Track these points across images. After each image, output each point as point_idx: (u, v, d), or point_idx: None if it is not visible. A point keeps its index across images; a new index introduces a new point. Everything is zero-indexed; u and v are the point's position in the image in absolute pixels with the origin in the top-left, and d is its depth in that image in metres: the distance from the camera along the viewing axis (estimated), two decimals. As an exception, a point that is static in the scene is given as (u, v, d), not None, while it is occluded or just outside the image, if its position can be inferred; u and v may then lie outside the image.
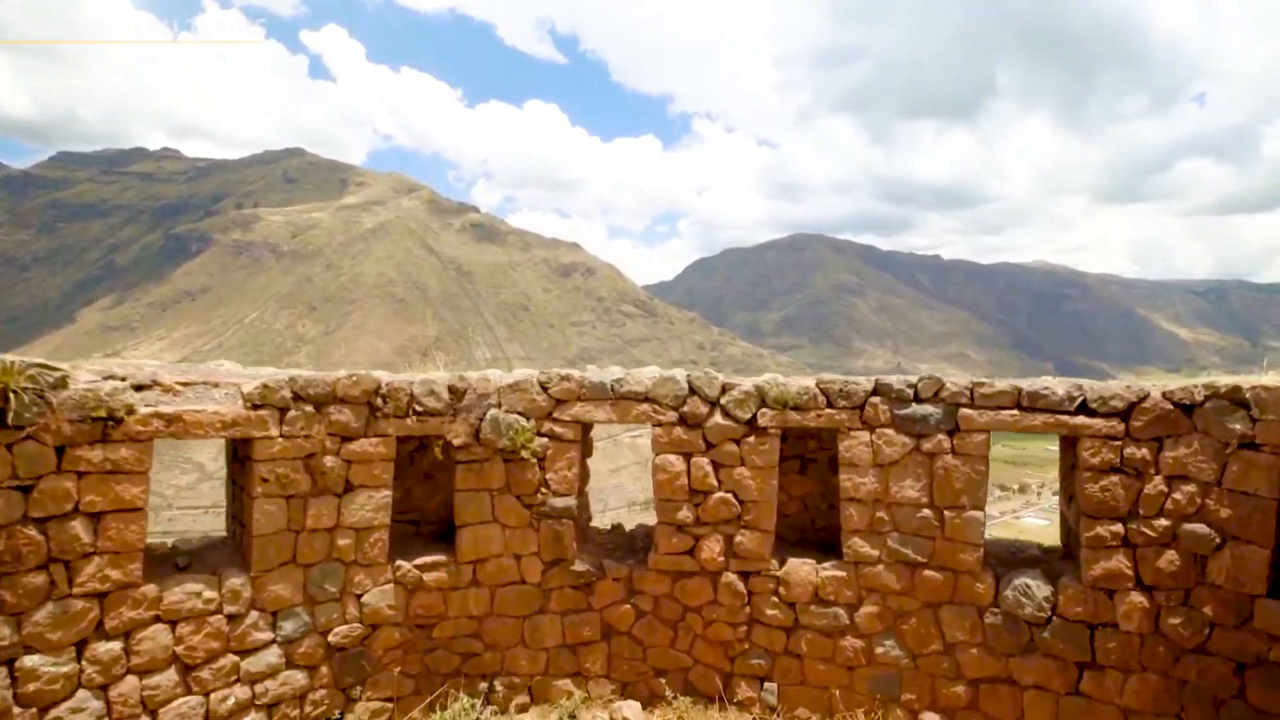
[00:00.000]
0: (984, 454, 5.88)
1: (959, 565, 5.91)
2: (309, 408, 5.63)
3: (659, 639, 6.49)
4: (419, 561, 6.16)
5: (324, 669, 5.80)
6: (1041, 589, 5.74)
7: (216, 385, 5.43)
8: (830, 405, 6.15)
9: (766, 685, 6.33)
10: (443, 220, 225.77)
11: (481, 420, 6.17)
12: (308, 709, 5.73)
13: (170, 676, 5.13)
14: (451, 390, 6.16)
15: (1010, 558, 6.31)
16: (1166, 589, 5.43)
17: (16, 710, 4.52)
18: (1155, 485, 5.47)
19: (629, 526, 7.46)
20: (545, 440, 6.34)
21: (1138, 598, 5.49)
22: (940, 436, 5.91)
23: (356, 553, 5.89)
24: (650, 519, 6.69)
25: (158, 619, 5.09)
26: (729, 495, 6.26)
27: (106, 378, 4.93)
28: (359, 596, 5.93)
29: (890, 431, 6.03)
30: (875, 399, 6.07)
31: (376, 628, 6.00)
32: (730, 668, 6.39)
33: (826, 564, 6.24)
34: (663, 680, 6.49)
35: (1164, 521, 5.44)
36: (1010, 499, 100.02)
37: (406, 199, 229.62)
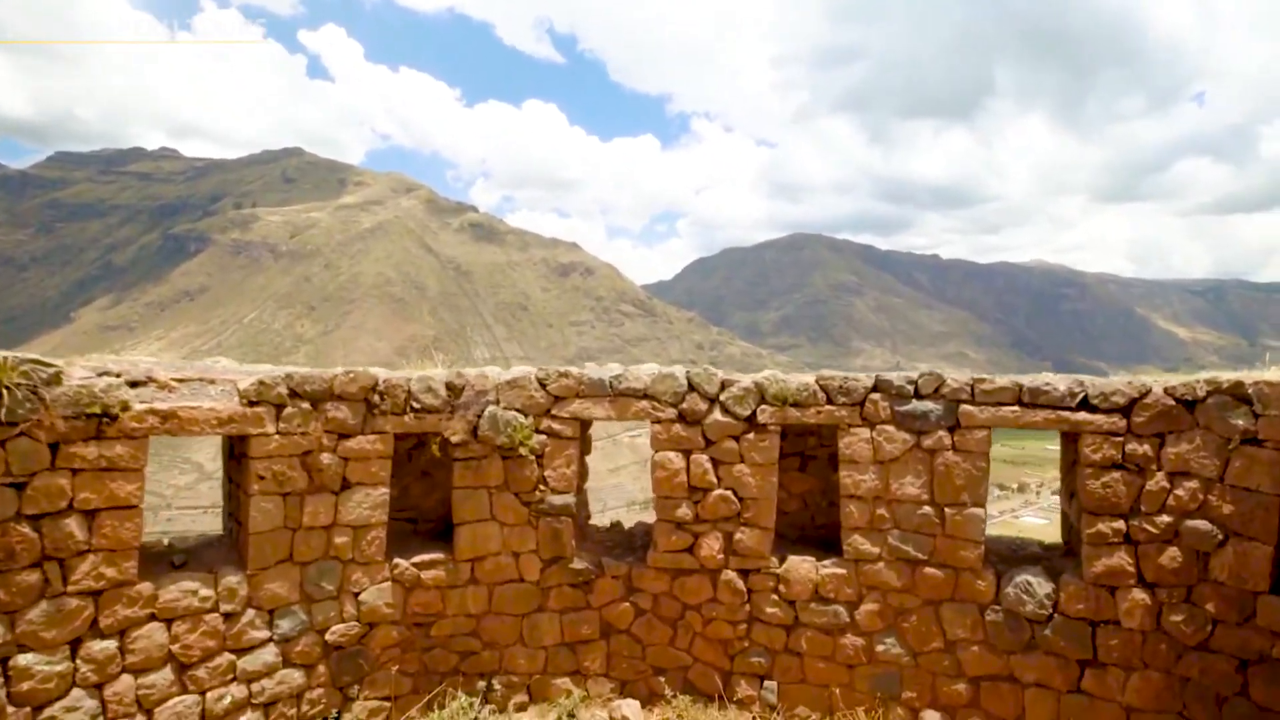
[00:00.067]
0: (985, 450, 5.85)
1: (960, 562, 5.88)
2: (305, 404, 5.60)
3: (658, 637, 6.46)
4: (417, 559, 6.13)
5: (321, 668, 5.76)
6: (1043, 586, 5.71)
7: (212, 382, 5.39)
8: (830, 402, 6.12)
9: (766, 683, 6.30)
10: (441, 220, 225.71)
11: (479, 417, 6.13)
12: (304, 708, 5.69)
13: (166, 675, 5.09)
14: (449, 387, 6.12)
15: (1011, 555, 6.29)
16: (1168, 586, 5.40)
17: (10, 709, 4.48)
18: (1157, 481, 5.44)
19: (628, 525, 7.43)
20: (544, 437, 6.31)
21: (1139, 595, 5.46)
22: (941, 433, 5.88)
23: (354, 551, 5.85)
24: (649, 519, 6.66)
25: (153, 617, 5.05)
26: (728, 492, 6.23)
27: (101, 374, 4.89)
28: (356, 595, 5.89)
29: (891, 428, 6.00)
30: (875, 395, 6.04)
31: (374, 626, 5.96)
32: (730, 666, 6.36)
33: (827, 561, 6.21)
34: (662, 679, 6.46)
35: (1166, 518, 5.41)
36: (1009, 498, 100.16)
37: (405, 199, 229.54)
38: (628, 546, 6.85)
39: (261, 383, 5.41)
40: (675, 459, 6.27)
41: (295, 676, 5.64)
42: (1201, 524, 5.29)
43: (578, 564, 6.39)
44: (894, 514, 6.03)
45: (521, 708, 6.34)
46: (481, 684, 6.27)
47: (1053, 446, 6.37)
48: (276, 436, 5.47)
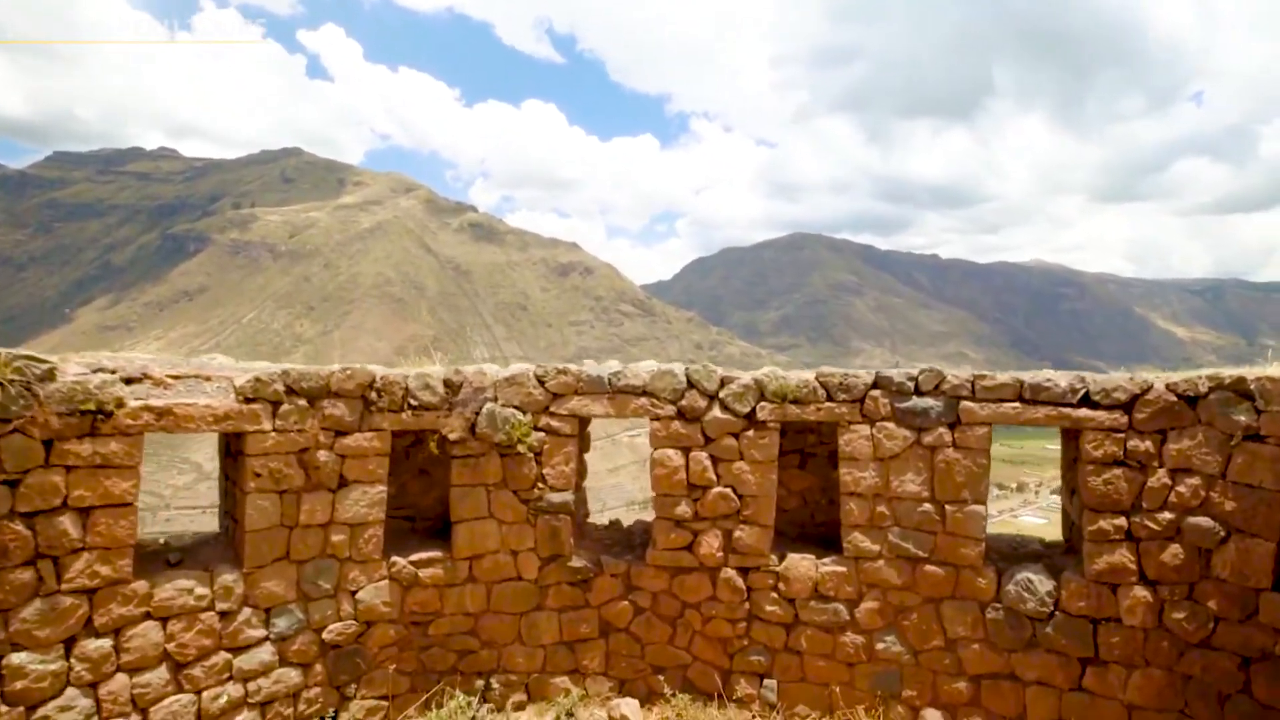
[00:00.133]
0: (985, 447, 5.82)
1: (960, 560, 5.85)
2: (302, 401, 5.56)
3: (657, 635, 6.43)
4: (414, 558, 6.09)
5: (318, 666, 5.72)
6: (1044, 584, 5.68)
7: (208, 379, 5.35)
8: (830, 399, 6.09)
9: (766, 682, 6.26)
10: (441, 220, 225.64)
11: (478, 414, 6.10)
12: (301, 707, 5.66)
13: (161, 674, 5.05)
14: (447, 384, 6.09)
15: (1012, 552, 6.26)
16: (1170, 583, 5.37)
17: (3, 708, 4.45)
18: (1159, 478, 5.41)
19: (627, 523, 7.39)
20: (542, 435, 6.27)
21: (1141, 592, 5.43)
22: (941, 430, 5.85)
23: (351, 549, 5.81)
24: (648, 518, 6.63)
25: (148, 616, 5.01)
26: (728, 490, 6.20)
27: (95, 370, 4.86)
28: (353, 593, 5.85)
29: (891, 425, 5.97)
30: (875, 392, 6.01)
31: (371, 625, 5.93)
32: (729, 664, 6.33)
33: (826, 559, 6.18)
34: (661, 677, 6.42)
35: (1167, 515, 5.38)
36: (1008, 497, 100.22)
37: (404, 198, 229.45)
38: (626, 545, 6.82)
39: (258, 379, 5.38)
40: (674, 456, 6.24)
41: (292, 675, 5.60)
42: (1203, 521, 5.26)
43: (576, 562, 6.36)
44: (894, 511, 5.99)
45: (520, 707, 6.31)
46: (480, 683, 6.24)
47: (1052, 446, 6.35)
48: (273, 434, 5.43)
